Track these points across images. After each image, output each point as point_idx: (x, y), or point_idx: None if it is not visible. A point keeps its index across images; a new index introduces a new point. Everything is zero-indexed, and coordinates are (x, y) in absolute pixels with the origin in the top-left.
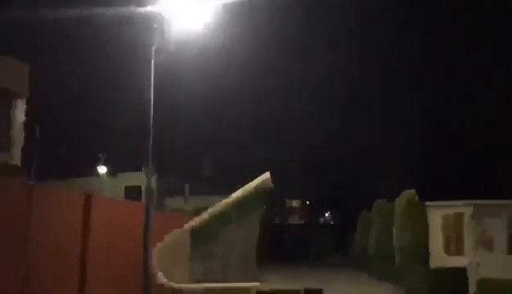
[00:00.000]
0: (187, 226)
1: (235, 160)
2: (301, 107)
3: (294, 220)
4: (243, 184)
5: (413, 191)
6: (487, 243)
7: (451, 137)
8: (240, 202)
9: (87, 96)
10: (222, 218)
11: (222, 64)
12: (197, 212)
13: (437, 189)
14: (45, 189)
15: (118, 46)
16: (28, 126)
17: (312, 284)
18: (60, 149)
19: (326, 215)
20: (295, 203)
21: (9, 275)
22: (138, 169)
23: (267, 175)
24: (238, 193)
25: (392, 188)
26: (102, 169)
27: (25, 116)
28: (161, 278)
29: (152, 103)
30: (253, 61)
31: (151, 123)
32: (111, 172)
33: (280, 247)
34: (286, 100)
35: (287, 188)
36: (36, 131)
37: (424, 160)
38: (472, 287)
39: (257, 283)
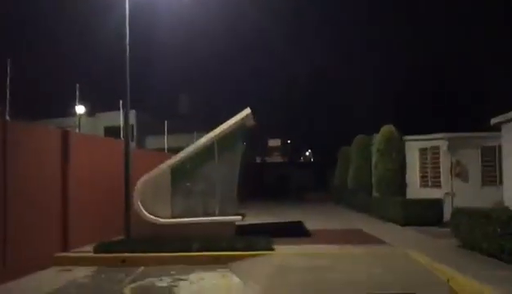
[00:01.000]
0: (168, 163)
1: (214, 99)
2: (280, 45)
3: (276, 158)
4: (222, 122)
5: (391, 125)
6: (462, 175)
7: (432, 73)
8: (222, 138)
9: (66, 35)
10: (204, 155)
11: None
12: (177, 150)
13: (416, 124)
14: (21, 125)
15: None
16: None
17: (291, 217)
18: (36, 89)
19: (307, 153)
20: (276, 142)
21: None
22: (117, 109)
23: (247, 111)
24: (220, 129)
25: (373, 124)
26: (80, 109)
27: None
28: (143, 213)
29: (128, 40)
30: None
31: (127, 59)
32: (89, 112)
33: (261, 185)
34: (264, 37)
35: (268, 127)
36: (7, 64)
37: (404, 95)
38: (446, 217)
39: (238, 217)
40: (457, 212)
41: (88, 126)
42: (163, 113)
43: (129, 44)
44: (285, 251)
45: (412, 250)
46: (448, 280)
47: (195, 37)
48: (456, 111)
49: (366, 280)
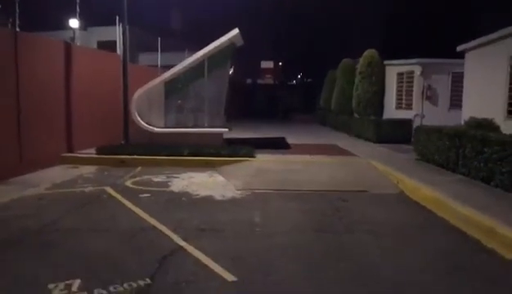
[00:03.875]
0: (162, 78)
1: (205, 16)
2: None
3: (268, 80)
4: (212, 40)
5: (373, 50)
6: (432, 98)
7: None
8: (211, 56)
9: None
10: (195, 72)
11: None
12: (169, 67)
13: (401, 49)
14: (29, 36)
15: None
16: None
17: (276, 134)
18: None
19: (299, 76)
20: (269, 65)
21: (3, 116)
22: (109, 24)
23: (235, 31)
24: (210, 48)
25: (365, 47)
26: (74, 23)
27: None
28: (140, 122)
29: None
30: None
31: None
32: (82, 27)
33: (251, 105)
34: None
35: (261, 49)
36: None
37: (392, 22)
38: None
39: (225, 129)
40: (417, 129)
41: (82, 39)
42: (156, 29)
43: None
44: (264, 158)
45: (375, 160)
46: (398, 182)
47: None
48: (446, 35)
49: (328, 180)
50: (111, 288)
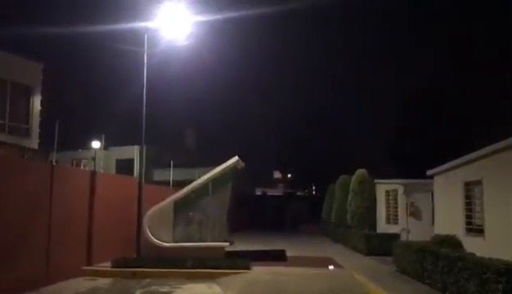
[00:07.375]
0: (172, 198)
1: (219, 135)
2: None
3: (279, 190)
4: (222, 159)
5: (364, 170)
6: (415, 214)
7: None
8: (214, 179)
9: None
10: (200, 191)
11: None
12: (181, 183)
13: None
14: (62, 168)
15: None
16: (43, 114)
17: (278, 246)
18: (63, 129)
19: (307, 188)
20: (278, 176)
21: (38, 234)
22: (127, 144)
23: (235, 158)
24: (213, 172)
25: (367, 162)
26: (96, 144)
27: (41, 106)
28: (151, 238)
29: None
30: (237, 42)
31: (144, 110)
32: (104, 147)
33: (260, 216)
34: (269, 80)
35: (271, 162)
36: (55, 124)
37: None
38: None
39: (226, 243)
40: (395, 244)
41: (102, 158)
42: (170, 145)
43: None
44: (259, 271)
45: (358, 272)
46: (369, 292)
47: (202, 81)
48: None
49: (310, 289)
50: None
